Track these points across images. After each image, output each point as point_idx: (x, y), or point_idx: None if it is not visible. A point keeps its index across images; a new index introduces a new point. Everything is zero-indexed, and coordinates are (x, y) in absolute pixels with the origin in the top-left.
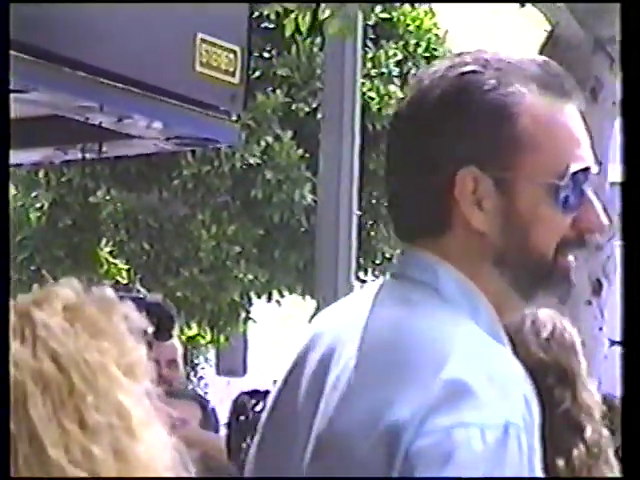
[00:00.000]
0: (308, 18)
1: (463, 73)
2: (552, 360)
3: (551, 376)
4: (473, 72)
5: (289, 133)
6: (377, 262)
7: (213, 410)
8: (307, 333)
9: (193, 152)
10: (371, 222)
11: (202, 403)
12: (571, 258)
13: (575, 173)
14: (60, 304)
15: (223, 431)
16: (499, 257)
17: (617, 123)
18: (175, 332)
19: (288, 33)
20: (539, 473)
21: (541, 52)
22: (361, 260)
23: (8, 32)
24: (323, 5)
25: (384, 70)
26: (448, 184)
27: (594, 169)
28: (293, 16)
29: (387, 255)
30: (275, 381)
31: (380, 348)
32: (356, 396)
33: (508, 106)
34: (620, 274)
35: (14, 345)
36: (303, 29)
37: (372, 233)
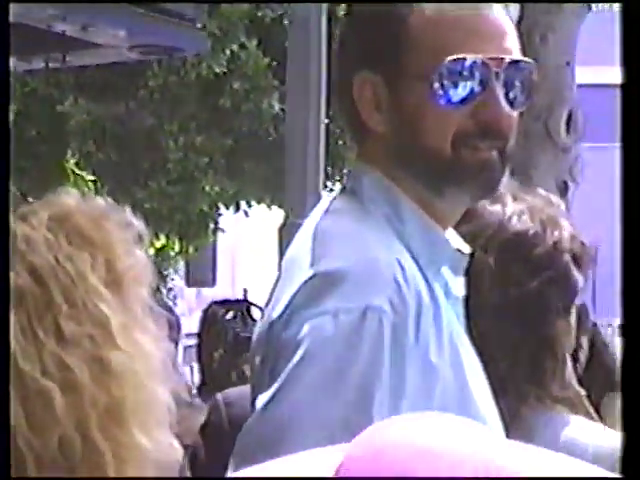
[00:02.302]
0: None
1: None
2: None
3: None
4: None
5: (255, 41)
6: (345, 170)
7: (177, 319)
8: None
9: (159, 61)
10: (339, 130)
11: (170, 311)
12: (485, 149)
13: (462, 65)
14: (46, 215)
15: (192, 341)
16: (400, 157)
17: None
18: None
19: None
20: (414, 354)
21: None
22: (329, 169)
23: (8, 31)
24: None
25: None
26: (352, 90)
27: (516, 60)
28: None
29: None
30: (245, 290)
31: (290, 256)
32: (268, 305)
33: (398, 8)
34: (619, 181)
35: None
36: None
37: (340, 142)
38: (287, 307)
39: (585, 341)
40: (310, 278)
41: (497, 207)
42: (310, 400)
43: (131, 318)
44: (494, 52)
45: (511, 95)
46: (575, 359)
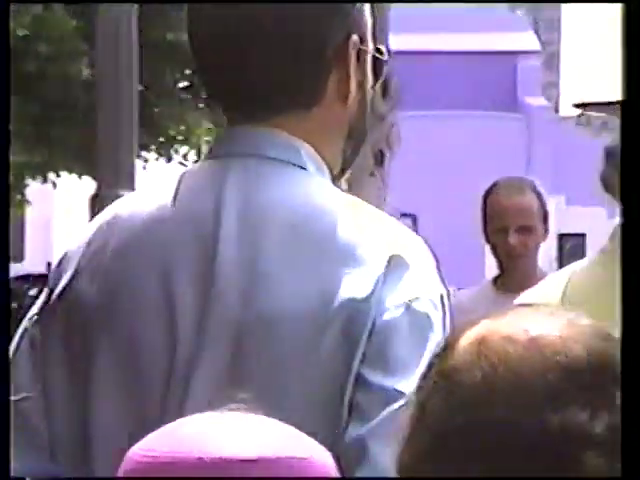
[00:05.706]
0: None
1: None
2: None
3: None
4: None
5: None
6: (162, 140)
7: None
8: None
9: None
10: (156, 97)
11: None
12: None
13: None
14: None
15: None
16: (350, 129)
17: None
18: None
19: None
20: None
21: None
22: (144, 138)
23: (8, 32)
24: None
25: None
26: (335, 55)
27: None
28: None
29: (172, 133)
30: (49, 263)
31: (299, 225)
32: (293, 277)
33: None
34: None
35: None
36: None
37: (157, 109)
38: (368, 288)
39: None
40: (387, 261)
41: None
42: None
43: None
44: None
45: None
46: None
